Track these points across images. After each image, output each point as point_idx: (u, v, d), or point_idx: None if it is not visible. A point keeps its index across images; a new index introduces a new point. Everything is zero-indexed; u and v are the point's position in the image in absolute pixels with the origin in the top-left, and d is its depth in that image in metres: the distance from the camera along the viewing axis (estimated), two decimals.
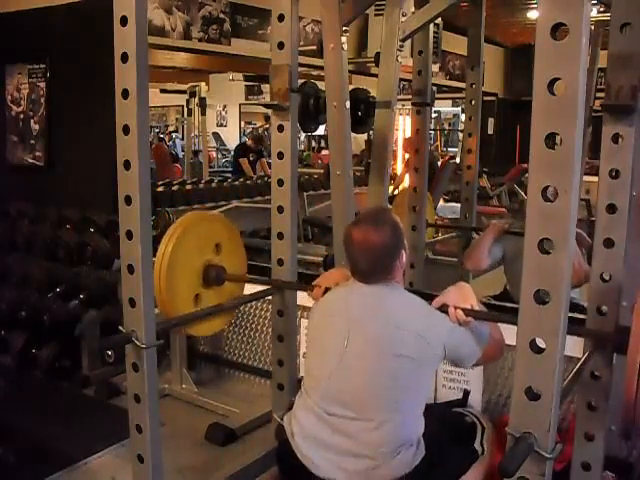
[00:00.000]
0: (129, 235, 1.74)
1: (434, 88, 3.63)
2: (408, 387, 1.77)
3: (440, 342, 1.78)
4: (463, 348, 1.83)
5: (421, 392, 1.84)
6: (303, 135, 11.15)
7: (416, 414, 1.81)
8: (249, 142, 8.72)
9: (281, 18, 2.22)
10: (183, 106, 9.53)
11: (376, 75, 2.96)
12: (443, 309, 1.84)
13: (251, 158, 8.28)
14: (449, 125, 13.42)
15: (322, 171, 7.18)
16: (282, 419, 1.92)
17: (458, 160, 6.45)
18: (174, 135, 12.37)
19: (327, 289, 2.04)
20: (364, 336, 1.80)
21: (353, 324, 1.82)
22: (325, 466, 1.76)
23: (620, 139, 1.77)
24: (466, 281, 3.35)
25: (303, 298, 2.55)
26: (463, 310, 1.81)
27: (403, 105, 7.27)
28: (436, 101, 3.77)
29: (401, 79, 3.10)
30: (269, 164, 7.64)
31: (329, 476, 1.75)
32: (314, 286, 2.11)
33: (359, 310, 1.84)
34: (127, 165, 1.71)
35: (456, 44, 6.45)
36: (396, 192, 5.39)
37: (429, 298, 1.97)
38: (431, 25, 3.36)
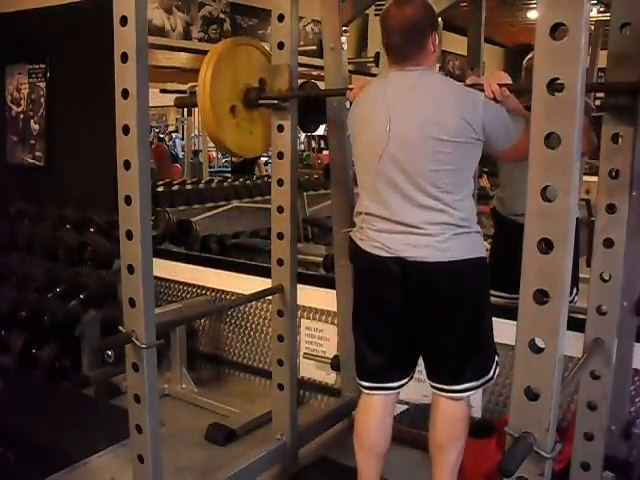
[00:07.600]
0: (129, 235, 1.75)
1: None
2: (454, 170, 1.83)
3: (479, 119, 1.81)
4: (500, 125, 1.85)
5: (467, 174, 1.89)
6: (303, 135, 11.14)
7: (466, 196, 1.89)
8: None
9: (281, 18, 2.22)
10: None
11: (376, 75, 2.96)
12: (477, 87, 1.88)
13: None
14: None
15: (322, 171, 7.18)
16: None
17: None
18: (174, 135, 12.35)
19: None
20: (404, 121, 1.85)
21: (392, 110, 1.86)
22: (396, 246, 1.87)
23: (620, 139, 1.77)
24: None
25: (303, 298, 2.56)
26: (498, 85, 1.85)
27: None
28: None
29: None
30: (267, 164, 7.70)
31: (400, 254, 1.87)
32: (350, 88, 2.16)
33: (397, 94, 1.88)
34: (127, 165, 1.71)
35: (456, 44, 6.44)
36: None
37: None
38: None
